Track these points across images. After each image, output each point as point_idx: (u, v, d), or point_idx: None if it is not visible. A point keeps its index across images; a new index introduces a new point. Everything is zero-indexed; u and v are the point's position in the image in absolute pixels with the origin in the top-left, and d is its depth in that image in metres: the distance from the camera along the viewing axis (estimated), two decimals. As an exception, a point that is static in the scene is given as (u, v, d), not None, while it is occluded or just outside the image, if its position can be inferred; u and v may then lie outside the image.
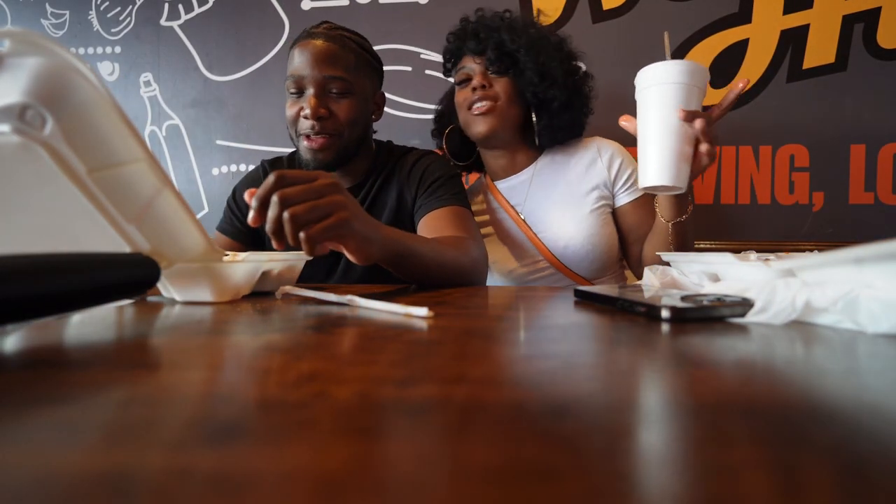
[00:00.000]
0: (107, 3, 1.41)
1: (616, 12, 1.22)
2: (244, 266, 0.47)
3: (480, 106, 0.87)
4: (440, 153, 0.95)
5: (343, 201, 0.47)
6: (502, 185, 0.97)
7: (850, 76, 1.14)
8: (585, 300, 0.43)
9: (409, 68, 1.30)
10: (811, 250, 0.69)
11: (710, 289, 0.39)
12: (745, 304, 0.31)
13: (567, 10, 1.24)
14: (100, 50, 1.42)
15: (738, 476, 0.11)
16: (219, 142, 1.39)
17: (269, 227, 0.44)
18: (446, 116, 1.01)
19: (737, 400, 0.17)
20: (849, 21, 1.14)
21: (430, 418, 0.15)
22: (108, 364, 0.22)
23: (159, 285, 0.46)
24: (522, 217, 0.93)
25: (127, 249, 0.38)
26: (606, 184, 0.90)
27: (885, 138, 1.14)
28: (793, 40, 1.16)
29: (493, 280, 0.97)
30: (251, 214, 0.44)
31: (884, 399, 0.17)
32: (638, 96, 0.64)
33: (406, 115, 1.31)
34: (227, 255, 0.49)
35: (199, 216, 1.40)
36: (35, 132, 0.32)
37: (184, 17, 1.39)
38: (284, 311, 0.40)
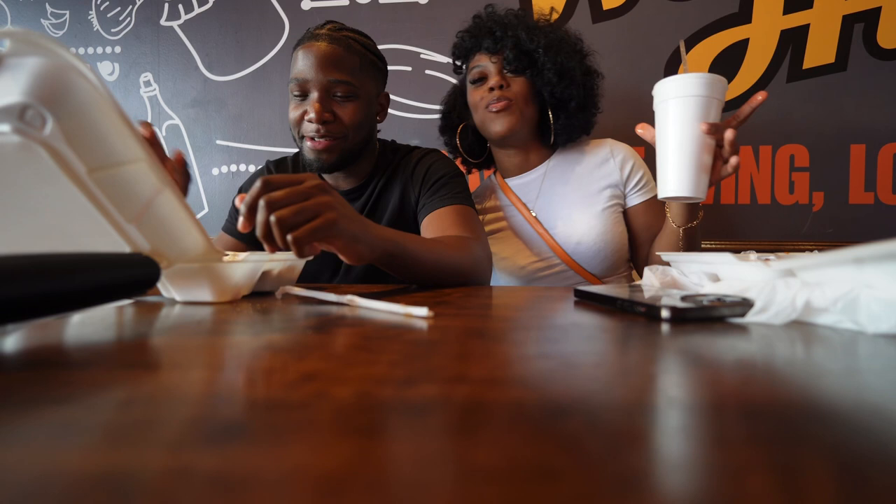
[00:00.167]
0: (107, 3, 1.41)
1: (616, 12, 1.22)
2: (244, 266, 0.47)
3: (498, 104, 0.86)
4: (445, 153, 0.95)
5: (330, 202, 0.47)
6: (514, 183, 0.97)
7: (850, 76, 1.14)
8: (585, 300, 0.43)
9: (409, 68, 1.30)
10: (811, 250, 0.69)
11: (710, 289, 0.39)
12: (745, 304, 0.31)
13: (567, 9, 1.24)
14: (100, 50, 1.42)
15: (738, 476, 0.11)
16: (219, 142, 1.39)
17: (258, 231, 0.45)
18: (454, 113, 1.00)
19: (737, 400, 0.17)
20: (849, 21, 1.14)
21: (430, 418, 0.15)
22: (108, 364, 0.22)
23: (159, 285, 0.46)
24: (534, 214, 0.93)
25: (127, 249, 0.38)
26: (618, 184, 0.91)
27: (885, 138, 1.14)
28: (793, 40, 1.16)
29: (503, 277, 0.96)
30: (240, 220, 0.45)
31: (884, 399, 0.17)
32: (656, 108, 0.65)
33: (406, 115, 1.31)
34: (227, 255, 0.49)
35: (198, 216, 1.40)
36: (35, 132, 0.32)
37: (184, 17, 1.39)
38: (284, 311, 0.40)
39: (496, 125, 0.88)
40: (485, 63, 0.89)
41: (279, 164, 0.93)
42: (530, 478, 0.11)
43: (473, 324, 0.33)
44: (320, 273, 0.85)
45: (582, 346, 0.26)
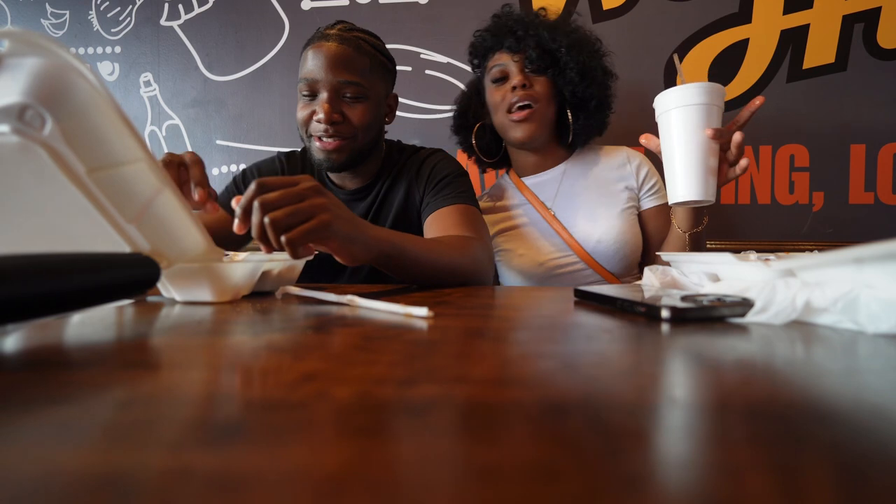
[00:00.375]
0: (107, 3, 1.41)
1: (616, 12, 1.22)
2: (244, 266, 0.47)
3: (521, 112, 0.87)
4: (459, 151, 0.95)
5: (324, 204, 0.47)
6: (531, 181, 0.97)
7: (850, 76, 1.14)
8: (585, 300, 0.43)
9: (410, 68, 1.30)
10: (811, 250, 0.70)
11: (710, 289, 0.39)
12: (745, 304, 0.31)
13: (567, 9, 1.24)
14: (100, 50, 1.41)
15: (738, 476, 0.11)
16: (219, 142, 1.39)
17: (253, 232, 0.45)
18: (469, 113, 1.00)
19: (737, 400, 0.17)
20: (849, 21, 1.14)
21: (431, 418, 0.15)
22: (108, 364, 0.22)
23: (159, 285, 0.46)
24: (553, 213, 0.93)
25: (127, 249, 0.38)
26: (634, 188, 0.93)
27: (885, 138, 1.13)
28: (793, 40, 1.16)
29: (518, 276, 0.96)
30: (235, 222, 0.46)
31: (884, 399, 0.17)
32: (659, 119, 0.68)
33: (406, 115, 1.31)
34: (227, 255, 0.49)
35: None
36: (35, 132, 0.32)
37: (184, 17, 1.38)
38: (284, 311, 0.40)
39: (517, 132, 0.89)
40: (506, 62, 0.89)
41: (290, 157, 0.93)
42: (531, 478, 0.11)
43: (474, 324, 0.33)
44: (321, 276, 0.85)
45: (582, 346, 0.26)
